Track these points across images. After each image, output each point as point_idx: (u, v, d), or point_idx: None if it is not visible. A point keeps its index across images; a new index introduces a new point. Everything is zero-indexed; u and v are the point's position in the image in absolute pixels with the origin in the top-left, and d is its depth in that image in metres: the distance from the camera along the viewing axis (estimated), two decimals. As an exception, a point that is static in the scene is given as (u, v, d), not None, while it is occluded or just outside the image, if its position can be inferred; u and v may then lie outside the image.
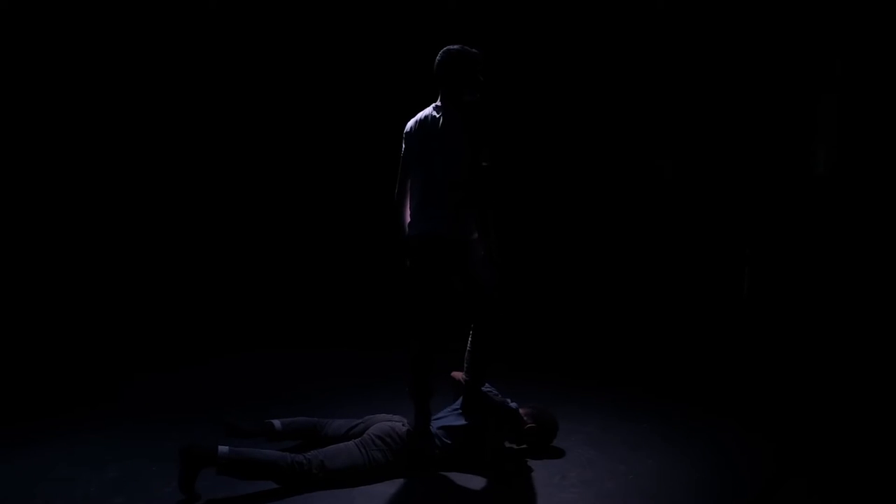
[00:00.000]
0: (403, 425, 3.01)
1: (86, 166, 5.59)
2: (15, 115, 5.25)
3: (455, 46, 3.00)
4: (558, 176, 6.17)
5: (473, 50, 3.01)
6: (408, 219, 3.06)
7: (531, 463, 3.09)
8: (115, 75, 5.66)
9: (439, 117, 2.96)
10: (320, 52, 6.23)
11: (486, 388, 3.19)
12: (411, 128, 3.03)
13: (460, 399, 3.15)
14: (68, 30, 5.40)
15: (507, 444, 3.21)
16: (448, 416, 3.15)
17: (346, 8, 6.10)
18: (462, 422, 3.08)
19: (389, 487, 2.80)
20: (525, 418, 3.18)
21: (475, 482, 2.89)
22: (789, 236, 5.48)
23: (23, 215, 5.31)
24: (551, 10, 5.93)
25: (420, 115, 3.04)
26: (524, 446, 3.23)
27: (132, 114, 5.78)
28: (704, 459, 3.16)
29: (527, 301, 5.65)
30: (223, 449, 2.64)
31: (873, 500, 2.85)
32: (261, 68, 6.17)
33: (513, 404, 3.19)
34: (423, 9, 5.97)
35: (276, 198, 6.33)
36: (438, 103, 3.01)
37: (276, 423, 3.10)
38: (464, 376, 3.08)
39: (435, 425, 3.08)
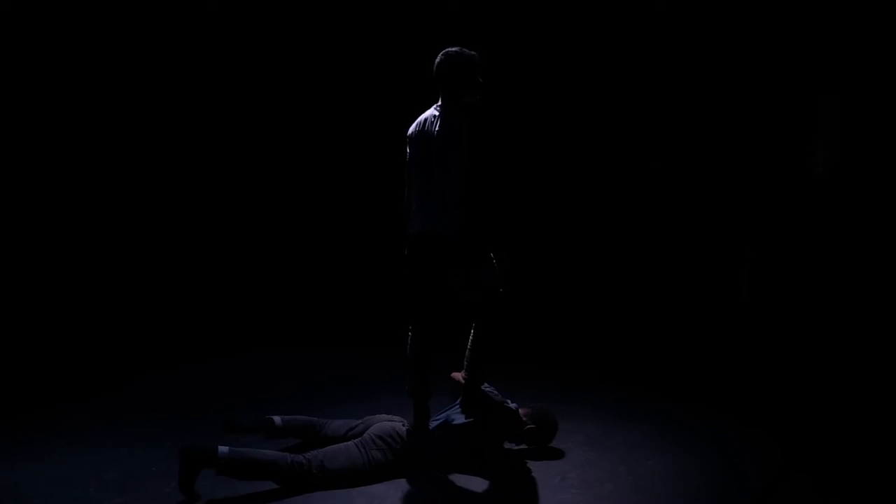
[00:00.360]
0: (403, 425, 3.01)
1: (86, 166, 5.59)
2: (15, 115, 5.24)
3: (454, 49, 3.01)
4: (559, 175, 6.17)
5: (472, 52, 3.03)
6: None
7: (531, 464, 3.09)
8: (116, 75, 5.66)
9: (438, 117, 2.97)
10: (320, 53, 6.23)
11: (487, 388, 3.19)
12: (413, 131, 3.05)
13: (460, 399, 3.15)
14: (68, 30, 5.40)
15: (507, 445, 3.21)
16: (448, 416, 3.15)
17: (346, 8, 6.10)
18: (462, 421, 3.08)
19: (389, 488, 2.80)
20: (525, 419, 3.18)
21: (475, 482, 2.90)
22: (789, 237, 5.49)
23: (24, 215, 5.31)
24: (551, 10, 5.92)
25: (420, 117, 3.06)
26: (523, 446, 3.23)
27: (132, 114, 5.78)
28: (705, 460, 3.16)
29: (527, 301, 5.65)
30: (223, 449, 2.64)
31: (873, 499, 2.85)
32: (261, 69, 6.17)
33: (512, 405, 3.19)
34: (423, 9, 5.97)
35: (277, 199, 6.33)
36: (439, 105, 3.02)
37: (277, 419, 3.11)
38: (463, 374, 3.08)
39: (434, 424, 3.08)
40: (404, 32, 5.99)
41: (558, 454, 3.20)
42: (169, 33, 5.82)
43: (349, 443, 2.90)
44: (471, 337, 3.05)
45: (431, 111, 3.03)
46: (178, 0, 5.81)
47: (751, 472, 3.05)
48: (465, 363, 3.07)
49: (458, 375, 3.14)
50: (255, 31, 6.10)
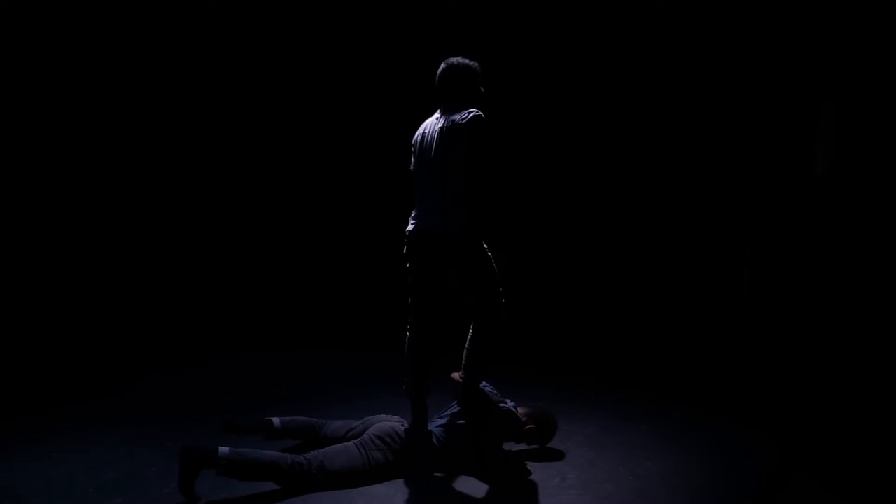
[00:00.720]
0: (402, 425, 3.01)
1: (86, 166, 5.59)
2: (15, 115, 5.25)
3: (455, 59, 3.05)
4: (560, 176, 6.17)
5: (473, 63, 3.05)
6: None
7: (530, 464, 3.09)
8: (116, 75, 5.66)
9: (440, 120, 2.99)
10: (320, 52, 6.23)
11: (486, 387, 3.19)
12: (416, 138, 3.09)
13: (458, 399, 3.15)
14: (68, 30, 5.40)
15: (506, 445, 3.21)
16: (447, 416, 3.15)
17: (346, 8, 6.10)
18: (461, 421, 3.08)
19: (389, 488, 2.80)
20: (524, 418, 3.18)
21: (475, 482, 2.89)
22: (789, 237, 5.49)
23: (24, 215, 5.31)
24: (551, 10, 5.92)
25: (423, 124, 3.11)
26: (522, 444, 3.23)
27: (132, 114, 5.78)
28: (705, 460, 3.16)
29: (528, 300, 5.65)
30: (223, 450, 2.64)
31: (880, 497, 2.85)
32: (261, 69, 6.17)
33: (511, 404, 3.19)
34: (423, 9, 5.97)
35: (276, 199, 6.33)
36: (441, 111, 3.05)
37: (276, 420, 3.11)
38: (460, 374, 3.09)
39: (434, 424, 3.08)
40: (404, 32, 6.00)
41: (558, 455, 3.20)
42: (169, 33, 5.82)
43: (349, 443, 2.90)
44: (469, 337, 3.05)
45: (433, 118, 3.07)
46: (178, 0, 5.81)
47: (751, 472, 3.05)
48: (463, 361, 3.08)
49: (457, 376, 3.14)
50: (256, 32, 6.10)
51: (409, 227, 3.04)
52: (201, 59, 6.01)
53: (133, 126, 5.80)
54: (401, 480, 2.86)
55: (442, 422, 3.11)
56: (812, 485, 2.94)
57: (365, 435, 2.94)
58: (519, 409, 3.21)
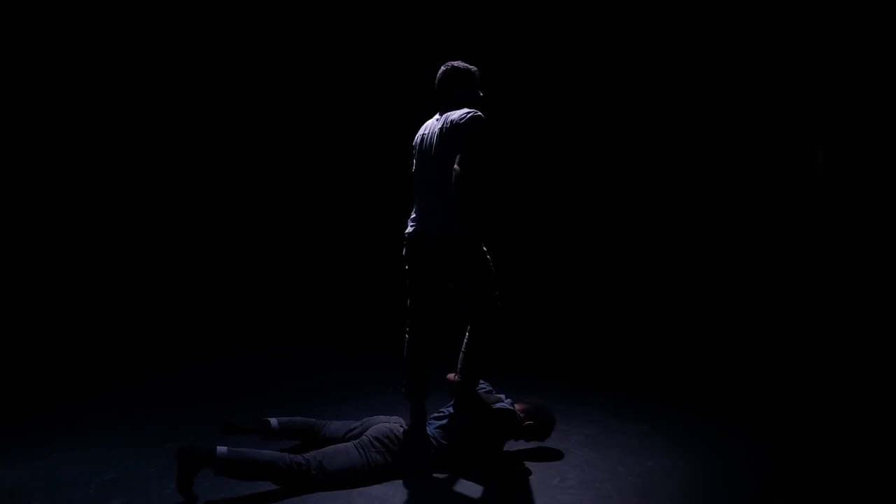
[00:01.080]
0: (401, 427, 3.01)
1: (87, 166, 5.59)
2: (15, 115, 5.24)
3: (455, 63, 3.05)
4: (559, 176, 6.17)
5: (473, 67, 3.06)
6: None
7: (530, 464, 3.09)
8: (116, 75, 5.66)
9: (439, 122, 3.00)
10: (320, 53, 6.23)
11: (482, 385, 3.19)
12: (416, 141, 3.11)
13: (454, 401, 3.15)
14: (69, 30, 5.39)
15: (506, 444, 3.21)
16: (445, 417, 3.15)
17: (346, 8, 6.10)
18: (459, 422, 3.08)
19: (388, 489, 2.80)
20: (522, 415, 3.18)
21: (474, 483, 2.90)
22: (788, 239, 5.48)
23: (24, 215, 5.31)
24: (552, 10, 5.92)
25: (423, 127, 3.12)
26: (522, 443, 3.23)
27: (133, 114, 5.78)
28: (705, 460, 3.16)
29: (527, 300, 5.66)
30: (222, 450, 2.64)
31: (880, 496, 2.85)
32: (262, 69, 6.17)
33: (507, 400, 3.19)
34: (424, 9, 5.97)
35: (277, 199, 6.33)
36: (440, 114, 3.05)
37: (273, 421, 3.10)
38: (456, 376, 3.09)
39: (432, 426, 3.08)
40: (404, 32, 6.00)
41: (558, 454, 3.20)
42: (170, 34, 5.82)
43: (348, 444, 2.90)
44: (465, 339, 3.06)
45: (433, 119, 3.08)
46: (181, 1, 5.81)
47: (751, 471, 3.05)
48: (459, 364, 3.08)
49: (453, 377, 3.14)
50: (256, 33, 6.10)
51: (409, 229, 3.03)
52: (202, 60, 6.01)
53: (134, 126, 5.80)
54: (400, 481, 2.87)
55: (440, 423, 3.11)
56: (812, 484, 2.94)
57: (364, 436, 2.94)
58: (516, 406, 3.21)
